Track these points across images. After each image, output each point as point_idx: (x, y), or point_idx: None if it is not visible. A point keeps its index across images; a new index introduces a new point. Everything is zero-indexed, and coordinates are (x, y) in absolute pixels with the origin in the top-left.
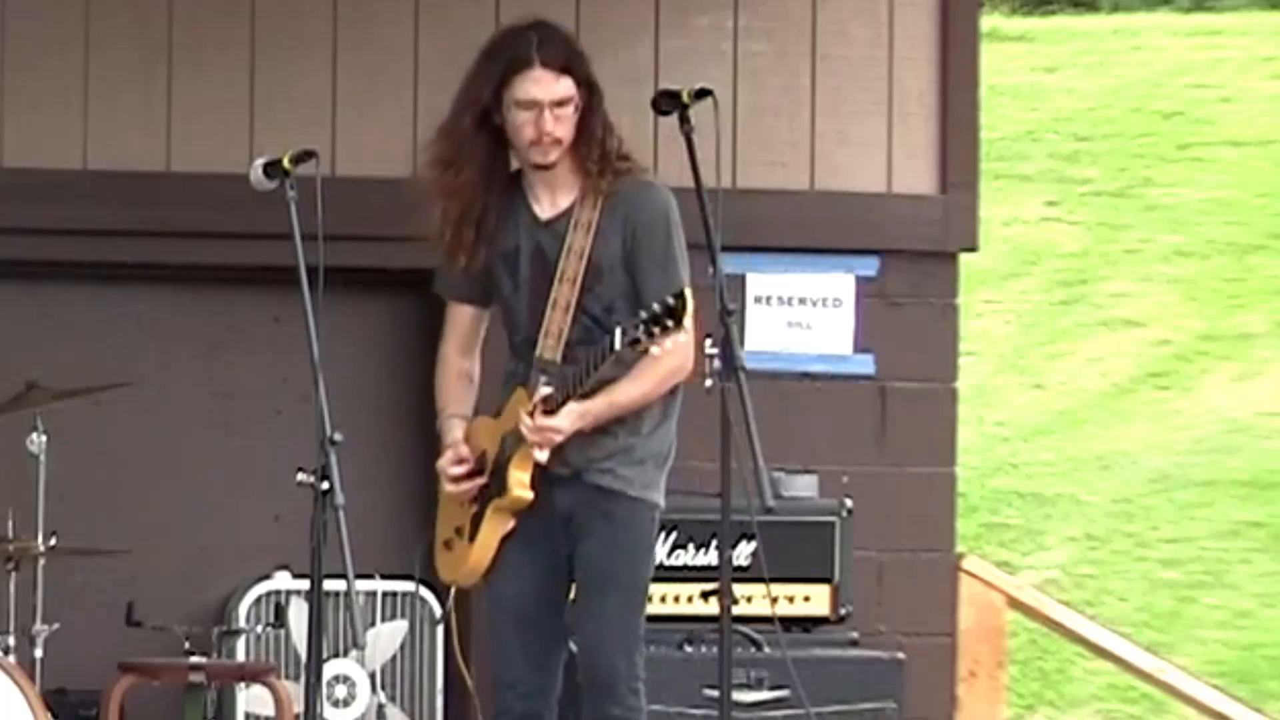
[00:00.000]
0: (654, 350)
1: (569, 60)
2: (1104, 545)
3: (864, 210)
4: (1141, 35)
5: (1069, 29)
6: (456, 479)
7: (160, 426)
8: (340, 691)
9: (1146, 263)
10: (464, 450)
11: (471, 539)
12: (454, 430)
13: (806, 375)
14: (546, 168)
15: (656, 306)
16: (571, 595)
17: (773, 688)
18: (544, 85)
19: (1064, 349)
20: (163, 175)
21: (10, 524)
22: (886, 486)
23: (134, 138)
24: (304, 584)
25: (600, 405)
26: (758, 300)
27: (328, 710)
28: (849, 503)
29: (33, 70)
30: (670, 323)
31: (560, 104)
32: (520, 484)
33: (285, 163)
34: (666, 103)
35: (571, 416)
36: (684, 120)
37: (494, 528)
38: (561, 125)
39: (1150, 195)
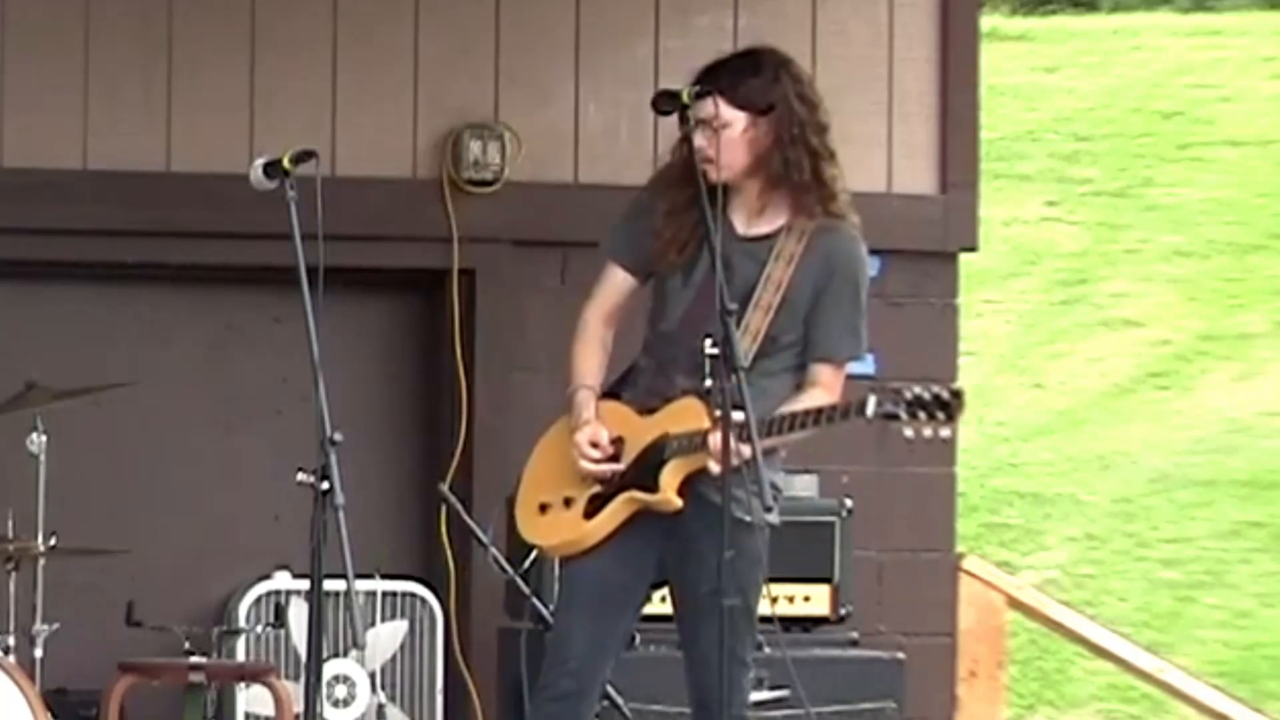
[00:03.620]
0: (907, 433)
1: (726, 83)
2: (1104, 545)
3: (864, 210)
4: (1141, 35)
5: (1069, 29)
6: (595, 461)
7: (160, 426)
8: (340, 691)
9: (1146, 263)
10: (603, 435)
11: (588, 516)
12: (588, 405)
13: None
14: (728, 185)
15: (927, 394)
16: (656, 600)
17: (773, 688)
18: (699, 106)
19: (1064, 349)
20: (163, 175)
21: (10, 524)
22: (886, 486)
23: (134, 138)
24: (304, 584)
25: (771, 440)
26: None
27: (328, 710)
28: (849, 503)
29: (33, 70)
30: (942, 415)
31: (709, 124)
32: (675, 489)
33: (285, 163)
34: (666, 103)
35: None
36: (684, 120)
37: (621, 514)
38: (715, 146)
39: (1150, 195)
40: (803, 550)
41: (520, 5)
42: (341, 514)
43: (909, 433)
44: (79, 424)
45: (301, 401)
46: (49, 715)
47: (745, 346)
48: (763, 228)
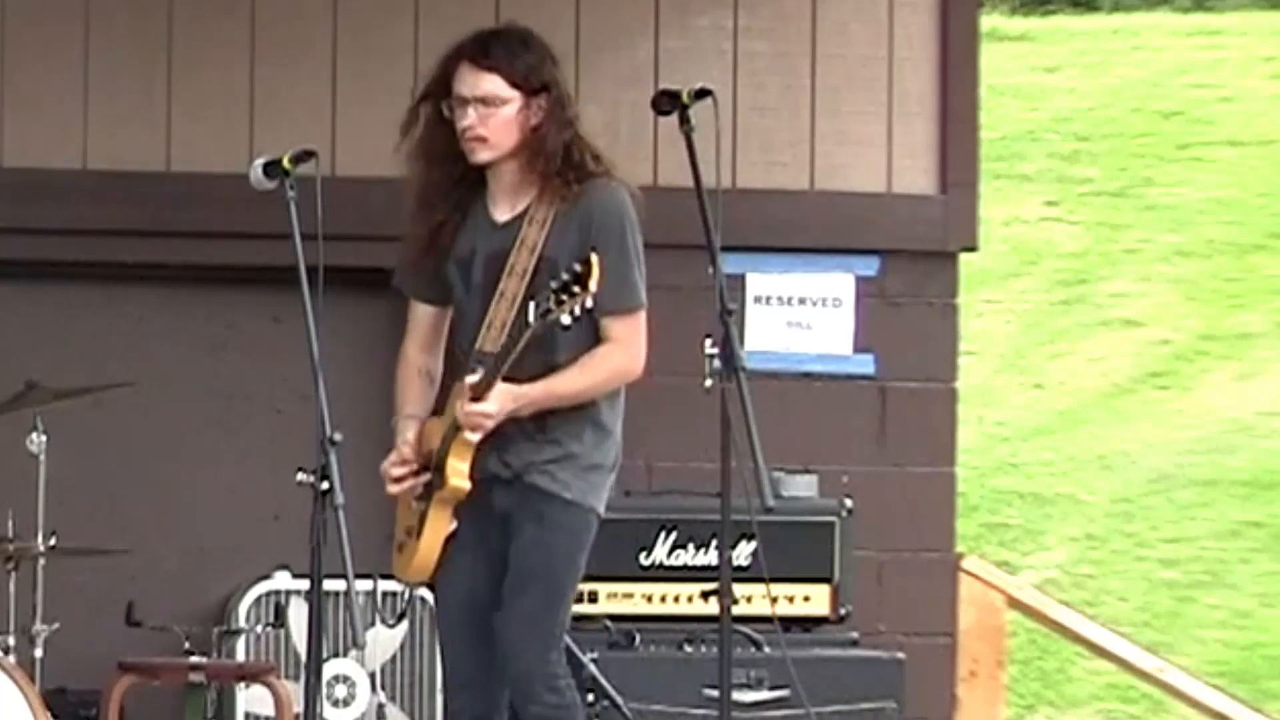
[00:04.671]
0: (564, 319)
1: (504, 60)
2: (1104, 545)
3: (864, 210)
4: (1141, 35)
5: (1069, 29)
6: (396, 479)
7: (160, 426)
8: (340, 691)
9: (1146, 263)
10: (405, 451)
11: (418, 536)
12: (406, 430)
13: (806, 375)
14: (485, 166)
15: (565, 274)
16: None
17: (773, 688)
18: (468, 82)
19: (1064, 349)
20: (163, 175)
21: (10, 524)
22: (886, 486)
23: (134, 138)
24: (304, 584)
25: (537, 390)
26: (758, 300)
27: (328, 710)
28: (849, 503)
29: (33, 70)
30: (577, 289)
31: (484, 101)
32: (457, 473)
33: (285, 163)
34: (666, 103)
35: (502, 398)
36: (684, 120)
37: (437, 523)
38: (487, 124)
39: (1150, 195)
40: (803, 550)
41: (520, 5)
42: (341, 514)
43: (565, 318)
44: (79, 424)
45: (301, 401)
46: (49, 715)
47: (503, 315)
48: (518, 209)
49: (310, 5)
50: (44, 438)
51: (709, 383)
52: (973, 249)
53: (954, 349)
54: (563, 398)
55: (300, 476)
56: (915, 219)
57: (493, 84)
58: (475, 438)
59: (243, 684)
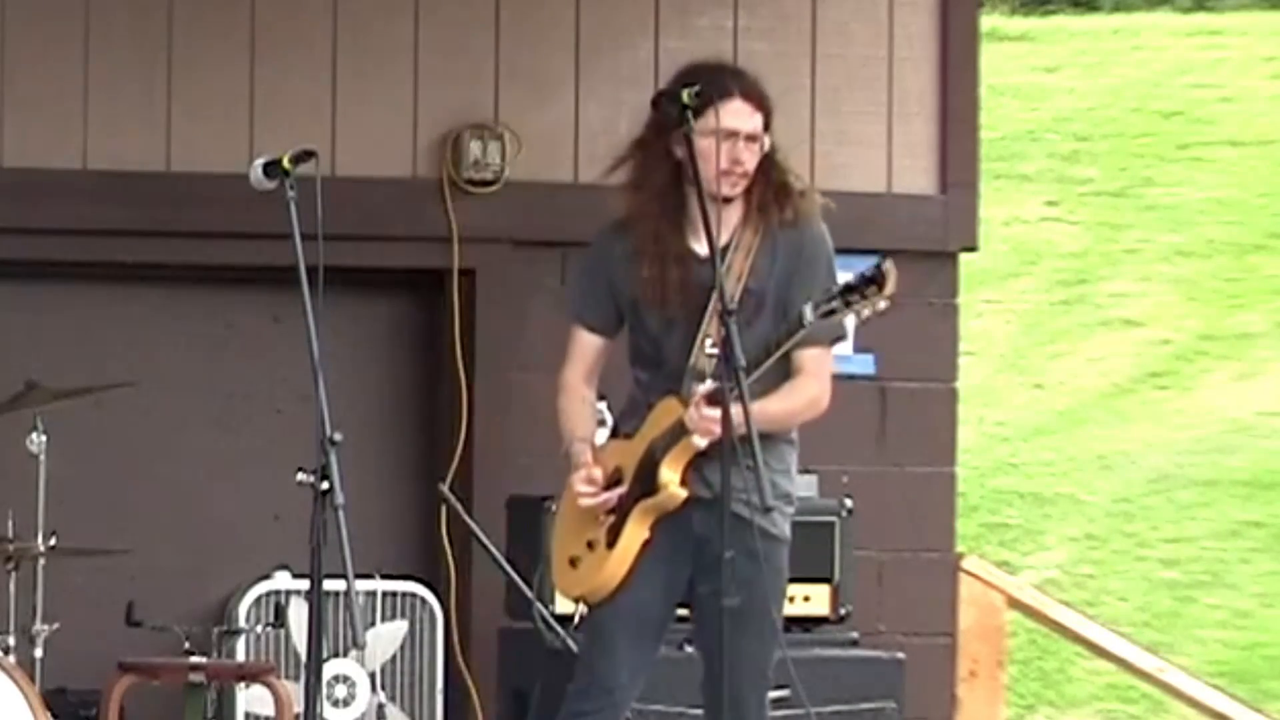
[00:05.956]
0: (849, 321)
1: (763, 99)
2: (1104, 545)
3: (864, 210)
4: (1141, 35)
5: (1069, 29)
6: (585, 495)
7: (160, 426)
8: (340, 691)
9: (1146, 263)
10: (595, 472)
11: (610, 547)
12: (583, 454)
13: None
14: (728, 200)
15: (855, 278)
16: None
17: (773, 688)
18: (742, 117)
19: (1064, 349)
20: (163, 175)
21: (10, 524)
22: (886, 486)
23: (134, 138)
24: (304, 584)
25: (752, 408)
26: None
27: (328, 710)
28: (849, 503)
29: (33, 70)
30: (874, 289)
31: (752, 138)
32: (675, 481)
33: (285, 163)
34: (667, 103)
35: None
36: (684, 120)
37: (638, 531)
38: (747, 160)
39: (1150, 195)
40: (803, 550)
41: (520, 5)
42: (341, 514)
43: (851, 320)
44: (79, 424)
45: (301, 401)
46: (49, 715)
47: (715, 337)
48: (722, 239)
49: (310, 5)
50: (44, 438)
51: (709, 383)
52: (973, 249)
53: (954, 349)
54: (770, 421)
55: (300, 476)
56: (915, 219)
57: (760, 123)
58: (703, 443)
59: (243, 684)
